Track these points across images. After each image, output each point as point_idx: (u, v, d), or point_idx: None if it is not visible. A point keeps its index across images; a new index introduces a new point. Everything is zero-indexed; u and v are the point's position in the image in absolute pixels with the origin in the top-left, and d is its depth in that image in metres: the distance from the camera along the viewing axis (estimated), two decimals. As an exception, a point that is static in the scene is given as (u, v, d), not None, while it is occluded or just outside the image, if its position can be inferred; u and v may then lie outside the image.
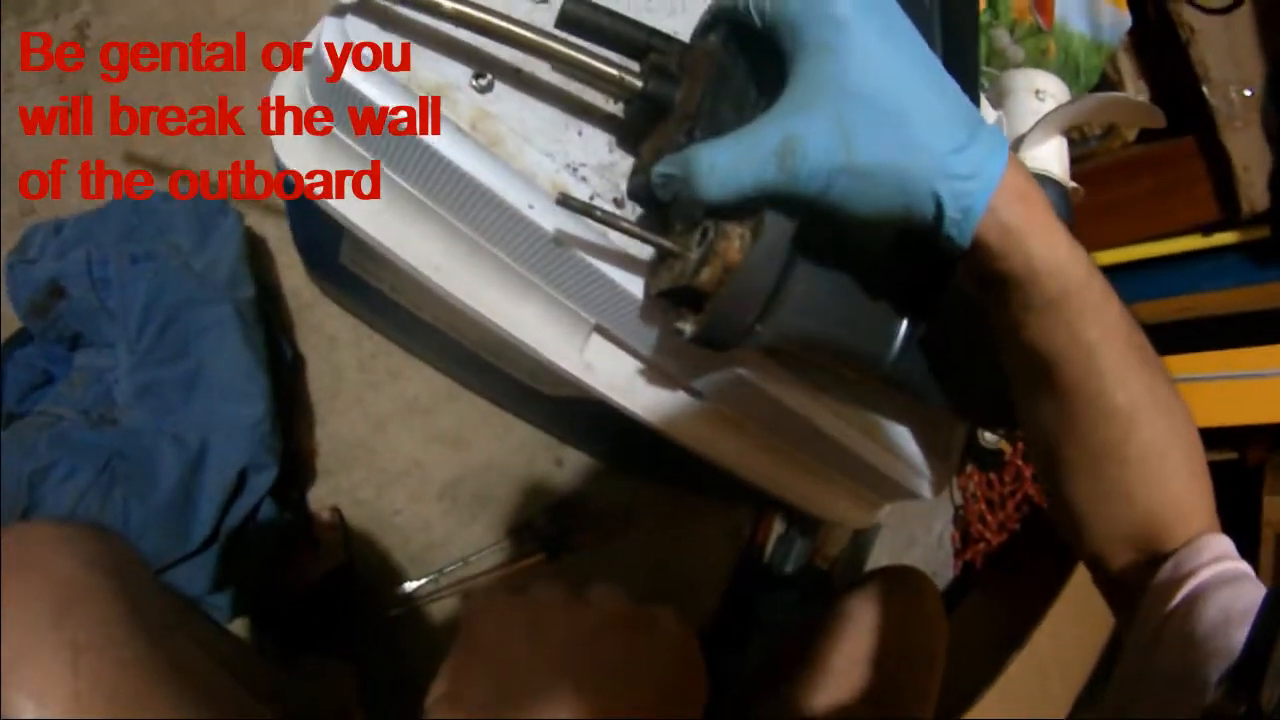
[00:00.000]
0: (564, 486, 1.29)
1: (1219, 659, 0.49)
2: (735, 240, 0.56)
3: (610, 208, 0.62)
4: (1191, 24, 1.30)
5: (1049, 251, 0.53)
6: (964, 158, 0.50)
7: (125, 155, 1.22)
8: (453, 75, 0.60)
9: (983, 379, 0.68)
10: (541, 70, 0.64)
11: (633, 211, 0.64)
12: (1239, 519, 1.69)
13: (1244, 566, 0.57)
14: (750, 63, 0.59)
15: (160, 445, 1.00)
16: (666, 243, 0.59)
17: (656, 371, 0.73)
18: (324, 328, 1.22)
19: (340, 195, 0.66)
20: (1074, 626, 1.49)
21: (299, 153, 0.67)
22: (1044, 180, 0.74)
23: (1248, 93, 1.33)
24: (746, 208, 0.55)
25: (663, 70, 0.60)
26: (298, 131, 0.68)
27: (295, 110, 0.68)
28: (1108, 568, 0.63)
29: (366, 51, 0.58)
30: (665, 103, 0.59)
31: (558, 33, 0.58)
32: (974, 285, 0.58)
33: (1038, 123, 0.74)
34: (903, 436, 0.82)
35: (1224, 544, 0.58)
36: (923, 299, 0.64)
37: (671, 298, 0.61)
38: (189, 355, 1.03)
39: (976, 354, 0.66)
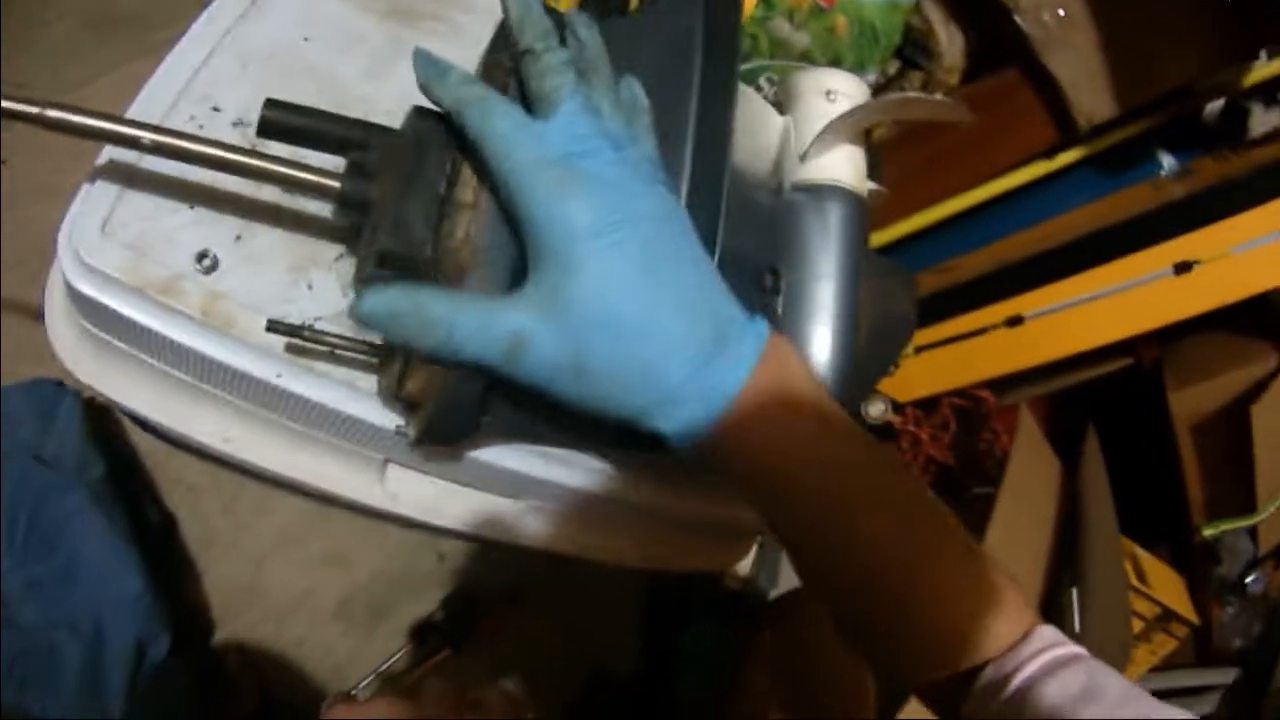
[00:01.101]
0: (452, 579, 1.30)
1: None
2: None
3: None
4: (991, -44, 1.31)
5: (775, 459, 0.53)
6: (694, 383, 0.50)
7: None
8: (177, 263, 0.61)
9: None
10: (260, 230, 0.64)
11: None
12: (1147, 421, 1.73)
13: (1076, 649, 0.51)
14: (451, 149, 0.57)
15: (57, 638, 1.00)
16: (374, 357, 0.60)
17: (457, 486, 0.74)
18: (184, 478, 1.21)
19: (119, 391, 0.69)
20: (1006, 561, 1.51)
21: (75, 354, 0.70)
22: (834, 191, 0.72)
23: (1061, 12, 1.36)
24: None
25: (360, 169, 0.58)
26: (70, 334, 0.71)
27: (64, 313, 0.71)
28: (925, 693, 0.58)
29: (95, 263, 0.60)
30: (365, 204, 0.57)
31: (259, 146, 0.59)
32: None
33: (822, 130, 0.71)
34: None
35: (1048, 634, 0.52)
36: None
37: (393, 401, 0.61)
38: (61, 548, 1.03)
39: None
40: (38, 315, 1.26)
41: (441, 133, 0.57)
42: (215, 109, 0.67)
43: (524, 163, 0.49)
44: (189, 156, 0.57)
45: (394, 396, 0.59)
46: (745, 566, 1.45)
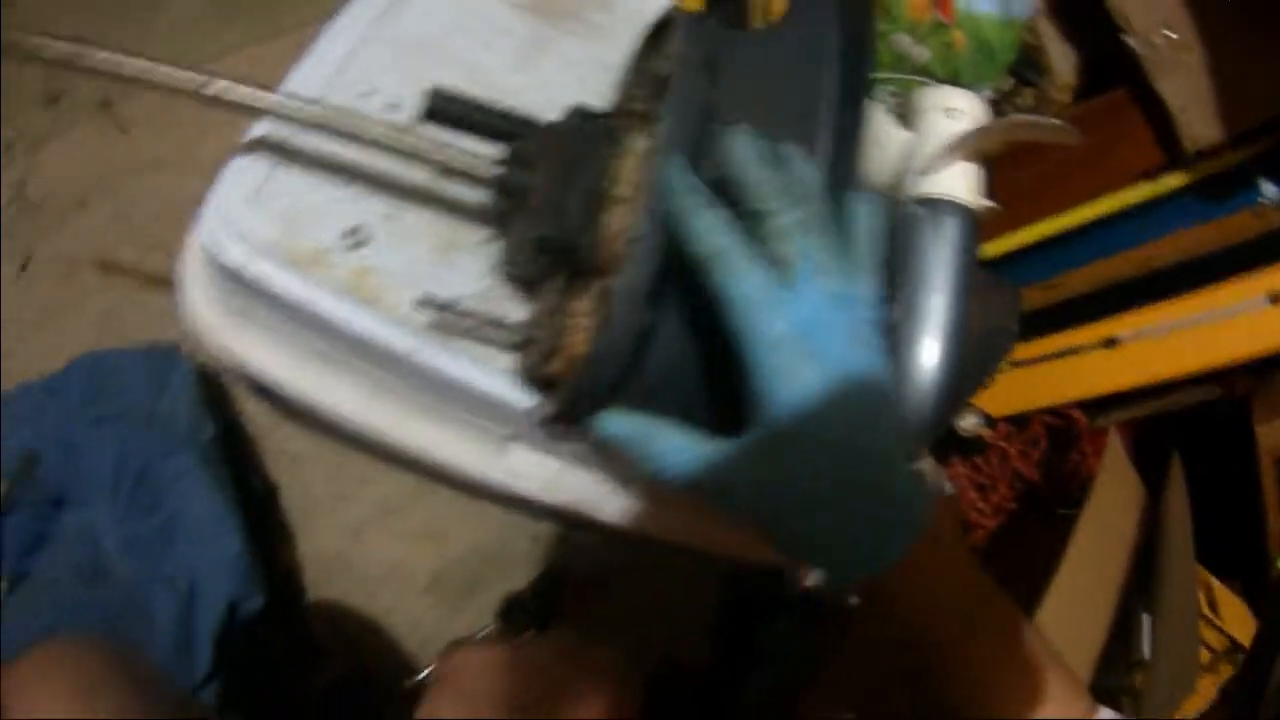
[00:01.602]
0: (544, 560, 1.32)
1: None
2: (581, 332, 0.58)
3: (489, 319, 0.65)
4: (1105, -25, 1.30)
5: (920, 616, 0.58)
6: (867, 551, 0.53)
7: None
8: (326, 237, 0.64)
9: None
10: (409, 209, 0.67)
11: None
12: (1232, 452, 1.71)
13: None
14: (601, 142, 0.60)
15: (153, 593, 1.04)
16: (522, 333, 0.63)
17: (578, 465, 0.75)
18: (288, 448, 1.25)
19: (254, 359, 0.70)
20: (1078, 593, 1.49)
21: (212, 325, 0.72)
22: (947, 205, 0.72)
23: (1172, 34, 1.34)
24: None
25: (520, 158, 0.60)
26: (208, 304, 0.72)
27: (202, 282, 0.72)
28: None
29: (243, 232, 0.63)
30: (522, 191, 0.60)
31: (419, 130, 0.61)
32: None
33: (942, 147, 0.72)
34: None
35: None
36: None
37: (530, 381, 0.64)
38: (164, 506, 1.07)
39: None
40: (155, 281, 1.32)
41: (604, 133, 0.60)
42: (365, 94, 0.70)
43: (763, 336, 0.51)
44: (356, 135, 0.60)
45: (532, 376, 0.61)
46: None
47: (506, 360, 0.65)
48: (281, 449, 1.26)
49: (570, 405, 0.60)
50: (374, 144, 0.60)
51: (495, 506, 1.28)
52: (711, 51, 0.61)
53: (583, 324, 0.59)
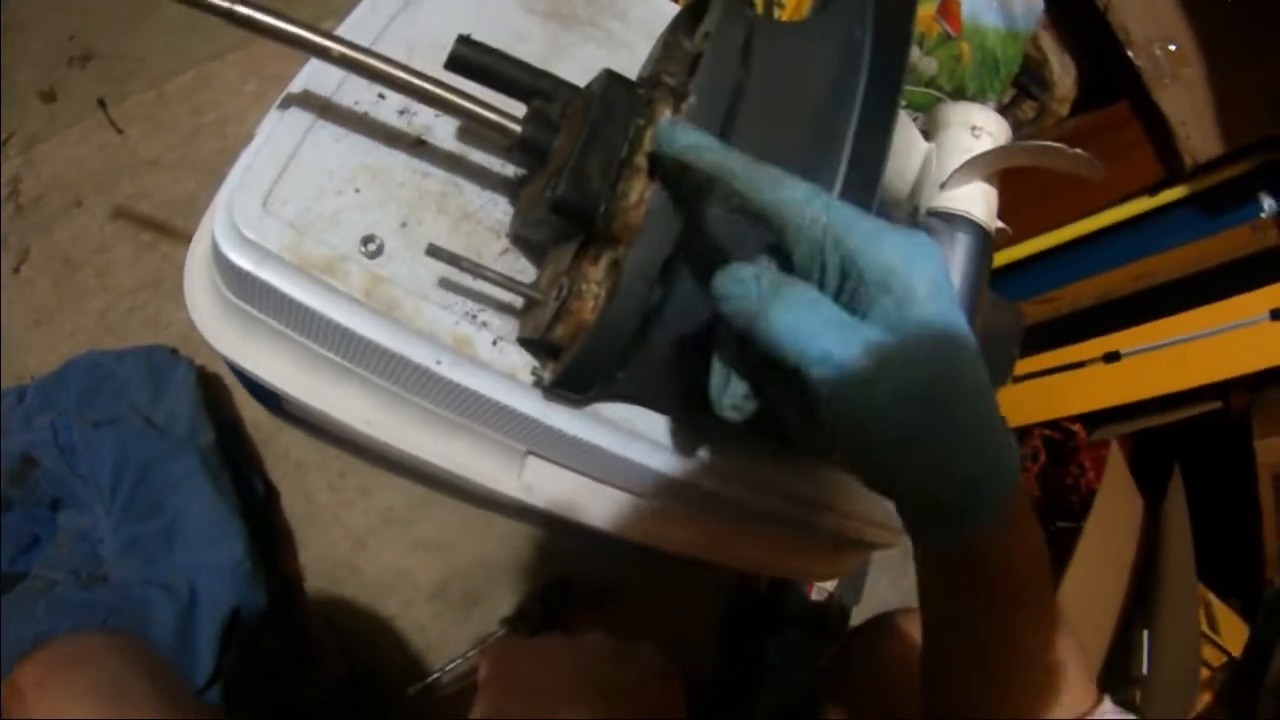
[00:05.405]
0: (549, 571, 1.31)
1: None
2: (589, 300, 0.57)
3: (507, 334, 0.64)
4: (1107, -11, 1.30)
5: (1006, 577, 0.52)
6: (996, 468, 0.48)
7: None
8: (341, 245, 0.63)
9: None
10: (426, 218, 0.66)
11: (512, 265, 0.67)
12: (1230, 466, 1.70)
13: None
14: (637, 116, 0.58)
15: (151, 596, 1.02)
16: (531, 292, 0.61)
17: (593, 481, 0.75)
18: (290, 455, 1.24)
19: (262, 366, 0.69)
20: (1080, 608, 1.49)
21: (219, 328, 0.70)
22: (966, 223, 0.72)
23: (1172, 47, 1.34)
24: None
25: (543, 117, 0.59)
26: (215, 308, 0.71)
27: (210, 286, 0.71)
28: None
29: (255, 236, 0.61)
30: (544, 151, 0.59)
31: (445, 79, 0.59)
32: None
33: (964, 164, 0.72)
34: (854, 496, 0.80)
35: (1108, 709, 0.56)
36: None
37: (533, 346, 0.63)
38: (164, 509, 1.06)
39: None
40: (153, 282, 1.31)
41: (630, 99, 0.58)
42: (381, 95, 0.69)
43: (889, 236, 0.47)
44: (380, 75, 0.58)
45: (538, 341, 0.60)
46: (831, 581, 1.45)
47: (527, 376, 0.64)
48: (283, 455, 1.24)
49: (573, 373, 0.60)
50: (403, 88, 0.59)
51: (501, 517, 1.28)
52: (747, 35, 0.60)
53: (592, 291, 0.58)
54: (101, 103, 1.41)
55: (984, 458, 0.47)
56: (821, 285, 0.48)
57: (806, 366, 0.45)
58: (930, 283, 0.46)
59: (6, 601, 1.03)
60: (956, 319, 0.47)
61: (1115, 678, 1.48)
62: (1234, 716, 1.38)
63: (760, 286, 0.47)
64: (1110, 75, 1.40)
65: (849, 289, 0.47)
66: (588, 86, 0.61)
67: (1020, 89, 1.44)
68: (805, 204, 0.47)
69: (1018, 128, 1.44)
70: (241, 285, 0.64)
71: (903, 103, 1.14)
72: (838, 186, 0.60)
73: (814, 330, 0.45)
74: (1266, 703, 1.43)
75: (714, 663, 1.39)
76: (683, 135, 0.51)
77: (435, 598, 1.26)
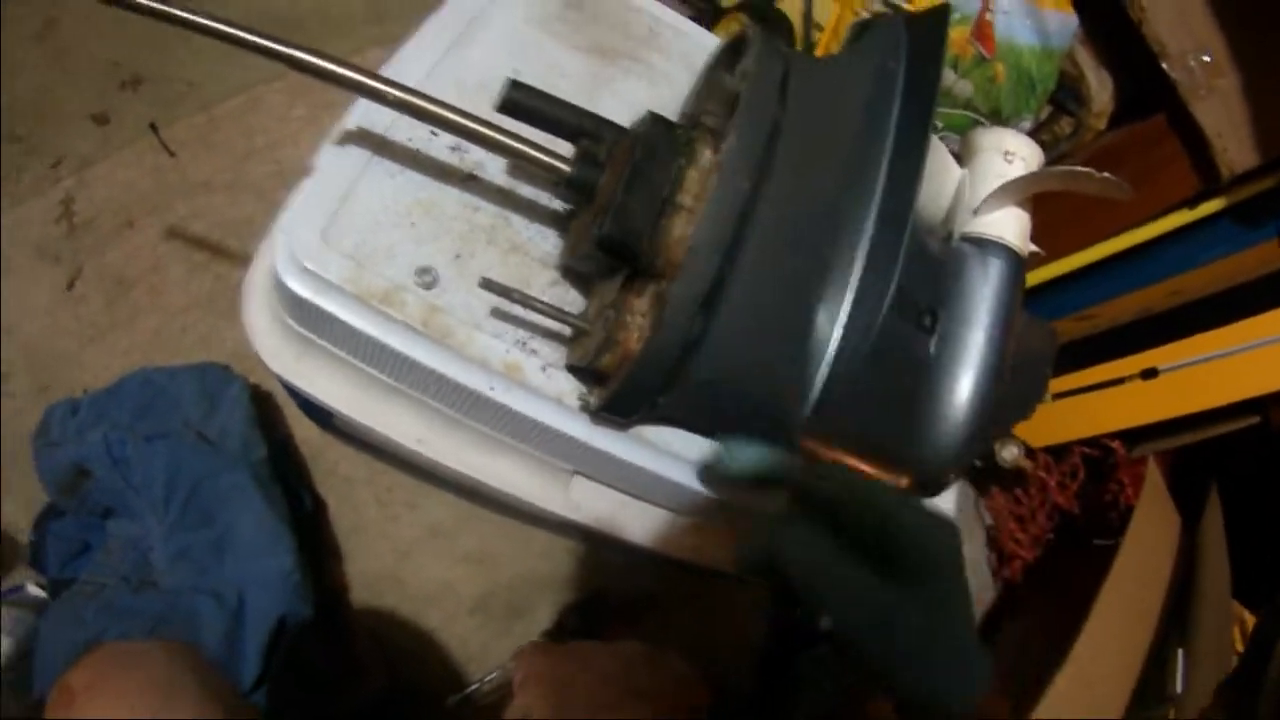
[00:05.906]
0: (589, 584, 1.33)
1: None
2: (634, 331, 0.60)
3: (555, 361, 0.67)
4: (1141, 3, 1.29)
5: None
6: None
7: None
8: (398, 275, 0.65)
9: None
10: (479, 250, 0.69)
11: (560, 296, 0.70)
12: (1270, 480, 1.70)
13: None
14: (669, 151, 0.60)
15: (201, 604, 1.05)
16: (579, 323, 0.64)
17: (639, 500, 0.77)
18: (338, 470, 1.27)
19: (317, 386, 0.73)
20: (1116, 625, 1.49)
21: (277, 350, 0.73)
22: (999, 247, 0.73)
23: (1206, 58, 1.34)
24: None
25: (590, 157, 0.62)
26: (273, 331, 0.74)
27: (268, 311, 0.74)
28: None
29: (316, 266, 0.64)
30: (590, 189, 0.62)
31: (496, 120, 0.62)
32: None
33: (997, 190, 0.73)
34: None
35: None
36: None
37: (580, 373, 0.66)
38: (215, 521, 1.08)
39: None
40: (206, 302, 1.34)
41: (671, 140, 0.61)
42: (434, 133, 0.71)
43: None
44: (435, 119, 0.61)
45: (586, 368, 0.63)
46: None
47: (574, 401, 0.67)
48: (332, 470, 1.27)
49: (618, 399, 0.62)
50: (458, 131, 0.61)
51: (542, 532, 1.30)
52: (784, 73, 0.62)
53: (637, 322, 0.60)
54: (153, 126, 1.43)
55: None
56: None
57: None
58: None
59: (55, 605, 1.06)
60: None
61: (1149, 695, 1.47)
62: (1234, 716, 1.38)
63: None
64: (1144, 88, 1.40)
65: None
66: (632, 127, 0.64)
67: (1057, 105, 1.44)
68: None
69: (1055, 144, 1.44)
70: (302, 313, 0.67)
71: (938, 125, 1.16)
72: (873, 213, 0.62)
73: None
74: (1267, 702, 1.42)
75: (750, 677, 1.40)
76: None
77: (477, 610, 1.28)
